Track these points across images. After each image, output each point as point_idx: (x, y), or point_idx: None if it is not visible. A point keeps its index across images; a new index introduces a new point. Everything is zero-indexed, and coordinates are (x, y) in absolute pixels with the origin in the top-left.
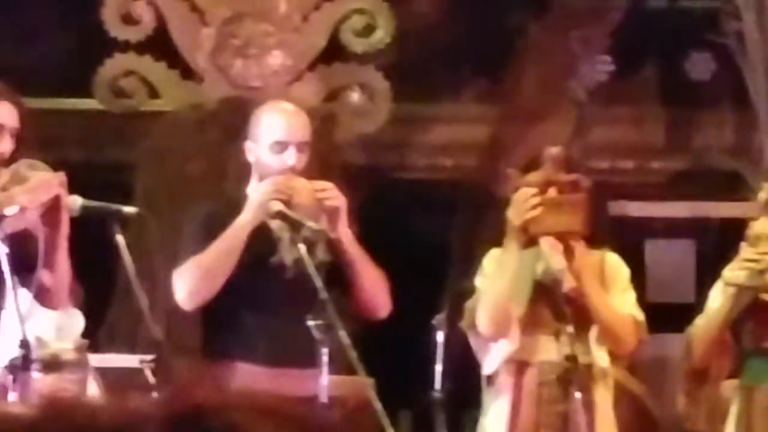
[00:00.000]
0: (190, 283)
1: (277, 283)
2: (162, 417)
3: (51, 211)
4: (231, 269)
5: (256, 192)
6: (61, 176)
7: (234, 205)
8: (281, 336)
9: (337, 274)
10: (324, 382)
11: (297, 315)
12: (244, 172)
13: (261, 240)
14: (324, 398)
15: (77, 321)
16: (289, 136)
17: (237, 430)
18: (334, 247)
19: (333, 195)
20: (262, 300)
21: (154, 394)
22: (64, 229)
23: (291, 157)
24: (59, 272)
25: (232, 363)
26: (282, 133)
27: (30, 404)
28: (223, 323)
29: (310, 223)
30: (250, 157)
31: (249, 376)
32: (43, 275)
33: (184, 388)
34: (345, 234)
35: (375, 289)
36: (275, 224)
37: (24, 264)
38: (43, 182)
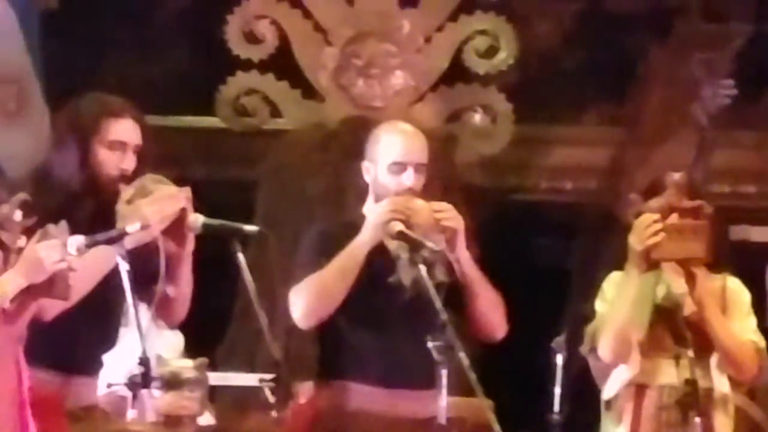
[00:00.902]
0: (307, 301)
1: (395, 303)
2: None
3: (176, 225)
4: (348, 288)
5: (374, 212)
6: (186, 191)
7: (350, 225)
8: (398, 356)
9: (455, 295)
10: (443, 404)
11: (414, 335)
12: (362, 191)
13: (379, 260)
14: (443, 420)
15: (181, 340)
16: (407, 157)
17: None
18: (452, 268)
19: (451, 216)
20: (379, 320)
21: (274, 414)
22: (189, 244)
23: (409, 178)
24: (181, 288)
25: (347, 383)
26: (401, 154)
27: (149, 423)
28: (339, 343)
29: (430, 244)
30: (367, 177)
31: (364, 397)
32: (167, 290)
33: (306, 410)
34: (463, 255)
35: (491, 310)
36: (393, 244)
37: (145, 280)
38: (168, 195)
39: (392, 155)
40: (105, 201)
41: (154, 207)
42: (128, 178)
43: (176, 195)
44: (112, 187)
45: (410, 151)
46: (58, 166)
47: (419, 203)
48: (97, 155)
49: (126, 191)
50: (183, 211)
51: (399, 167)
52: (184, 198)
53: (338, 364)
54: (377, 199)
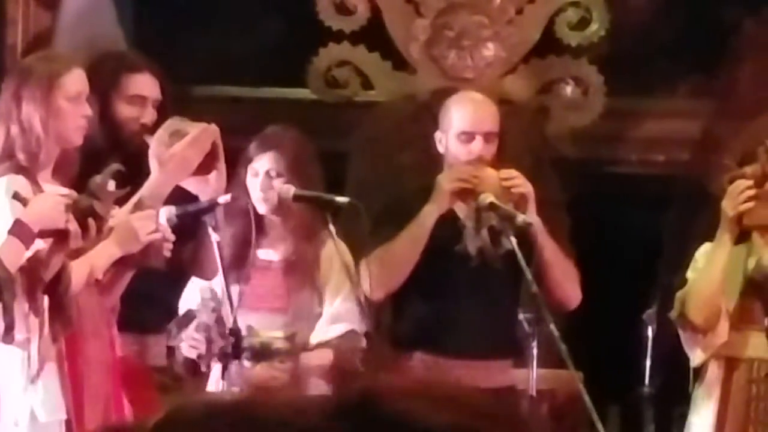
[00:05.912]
0: (379, 271)
1: (461, 271)
2: (330, 405)
3: (208, 158)
4: (417, 257)
5: (440, 181)
6: (214, 126)
7: (420, 194)
8: (463, 326)
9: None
10: (533, 375)
11: (479, 304)
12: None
13: (445, 229)
14: (533, 391)
15: None
16: (476, 126)
17: (409, 417)
18: (524, 236)
19: (520, 182)
20: (445, 289)
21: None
22: (221, 180)
23: (477, 147)
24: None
25: (413, 353)
26: (469, 123)
27: (239, 393)
28: (405, 312)
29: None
30: (440, 147)
31: (430, 367)
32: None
33: (354, 375)
34: (535, 221)
35: (565, 279)
36: (462, 213)
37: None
38: (202, 130)
39: (461, 124)
40: (130, 155)
41: (193, 148)
42: (150, 132)
43: (209, 129)
44: (135, 141)
45: (479, 120)
46: None
47: (487, 171)
48: (118, 110)
49: (158, 138)
50: (214, 144)
51: (467, 136)
52: (215, 131)
53: (402, 334)
54: (449, 169)
